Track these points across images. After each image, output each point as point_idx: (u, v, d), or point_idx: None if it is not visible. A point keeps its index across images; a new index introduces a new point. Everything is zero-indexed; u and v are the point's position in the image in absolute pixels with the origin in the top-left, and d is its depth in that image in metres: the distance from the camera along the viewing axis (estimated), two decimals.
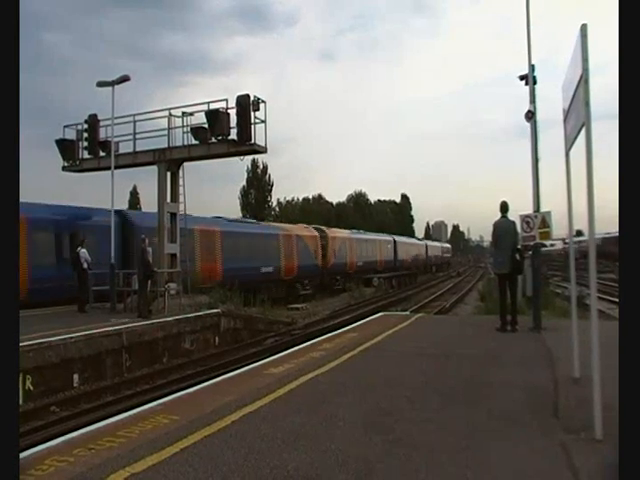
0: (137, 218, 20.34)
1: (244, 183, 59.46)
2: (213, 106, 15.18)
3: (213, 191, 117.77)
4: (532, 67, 9.88)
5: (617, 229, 3.21)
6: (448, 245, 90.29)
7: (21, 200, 2.89)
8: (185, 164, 16.73)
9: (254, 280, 23.64)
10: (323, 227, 35.89)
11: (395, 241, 48.32)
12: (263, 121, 15.23)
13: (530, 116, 9.67)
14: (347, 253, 36.56)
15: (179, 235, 16.55)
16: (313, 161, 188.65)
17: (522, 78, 9.98)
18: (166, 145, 16.36)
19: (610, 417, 3.62)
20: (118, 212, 18.15)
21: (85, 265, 14.78)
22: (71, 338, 10.31)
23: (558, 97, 5.45)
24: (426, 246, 64.39)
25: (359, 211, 77.56)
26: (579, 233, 20.49)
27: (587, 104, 3.94)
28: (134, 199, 61.48)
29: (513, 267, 9.47)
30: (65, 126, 17.68)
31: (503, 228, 9.61)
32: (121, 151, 16.82)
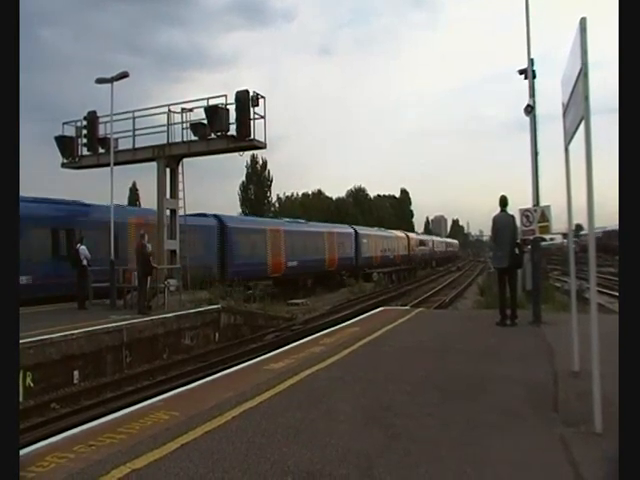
0: (360, 230, 40.94)
1: (243, 179, 59.55)
2: (212, 102, 15.16)
3: (212, 187, 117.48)
4: (531, 61, 9.85)
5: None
6: (457, 241, 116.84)
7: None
8: (184, 160, 16.70)
9: (388, 264, 43.21)
10: (406, 232, 56.83)
11: (433, 240, 72.80)
12: (262, 117, 15.20)
13: (529, 110, 9.63)
14: (417, 248, 56.78)
15: (179, 231, 16.57)
16: (311, 157, 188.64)
17: (521, 72, 9.94)
18: (165, 141, 16.29)
19: (610, 411, 3.63)
20: (351, 226, 40.67)
21: (85, 262, 14.75)
22: (72, 335, 10.33)
23: (557, 92, 5.45)
24: (446, 243, 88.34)
25: (358, 206, 77.50)
26: (579, 227, 20.48)
27: (586, 98, 3.92)
28: (133, 195, 61.38)
29: (512, 261, 9.48)
30: (64, 123, 17.64)
31: (502, 222, 9.60)
32: (120, 147, 16.77)
